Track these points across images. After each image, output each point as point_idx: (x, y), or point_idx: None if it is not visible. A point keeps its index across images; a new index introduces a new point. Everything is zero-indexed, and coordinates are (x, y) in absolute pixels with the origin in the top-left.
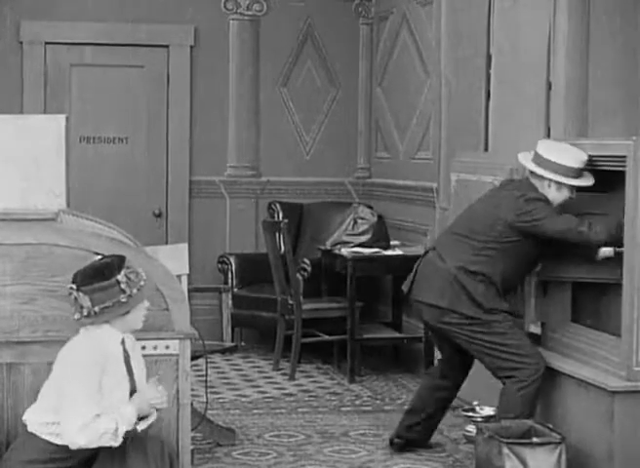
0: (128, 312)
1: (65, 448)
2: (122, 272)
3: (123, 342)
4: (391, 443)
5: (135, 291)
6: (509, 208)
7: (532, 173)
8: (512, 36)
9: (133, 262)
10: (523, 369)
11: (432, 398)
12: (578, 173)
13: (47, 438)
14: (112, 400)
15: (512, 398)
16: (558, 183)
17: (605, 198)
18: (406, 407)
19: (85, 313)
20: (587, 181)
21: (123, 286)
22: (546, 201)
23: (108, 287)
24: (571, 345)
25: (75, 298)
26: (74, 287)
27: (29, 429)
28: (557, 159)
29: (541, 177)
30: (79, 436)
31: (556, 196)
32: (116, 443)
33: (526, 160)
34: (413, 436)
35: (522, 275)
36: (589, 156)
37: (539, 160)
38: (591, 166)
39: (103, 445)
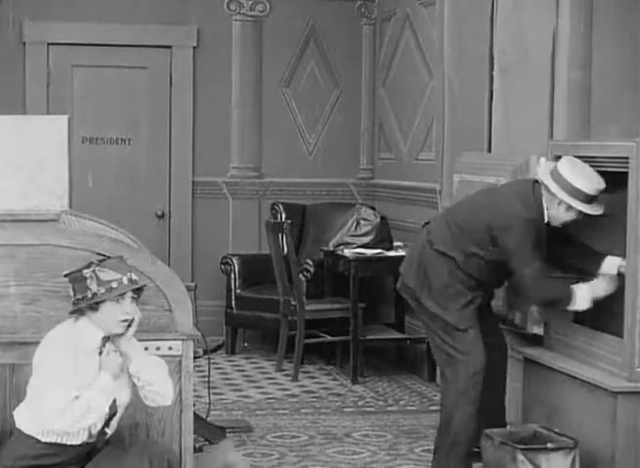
0: (95, 309)
1: (54, 444)
2: (91, 268)
3: (104, 340)
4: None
5: (102, 290)
6: (498, 212)
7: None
8: (515, 37)
9: (124, 266)
10: (454, 366)
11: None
12: (590, 199)
13: (32, 434)
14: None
15: (448, 402)
16: (569, 205)
17: (606, 199)
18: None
19: (72, 301)
20: (597, 210)
21: (88, 282)
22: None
23: (78, 280)
24: (573, 346)
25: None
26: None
27: (17, 425)
28: (575, 182)
29: (554, 195)
30: (55, 420)
31: (562, 215)
32: (100, 418)
33: (545, 173)
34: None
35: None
36: (593, 156)
37: (557, 177)
38: (594, 167)
39: (88, 424)
